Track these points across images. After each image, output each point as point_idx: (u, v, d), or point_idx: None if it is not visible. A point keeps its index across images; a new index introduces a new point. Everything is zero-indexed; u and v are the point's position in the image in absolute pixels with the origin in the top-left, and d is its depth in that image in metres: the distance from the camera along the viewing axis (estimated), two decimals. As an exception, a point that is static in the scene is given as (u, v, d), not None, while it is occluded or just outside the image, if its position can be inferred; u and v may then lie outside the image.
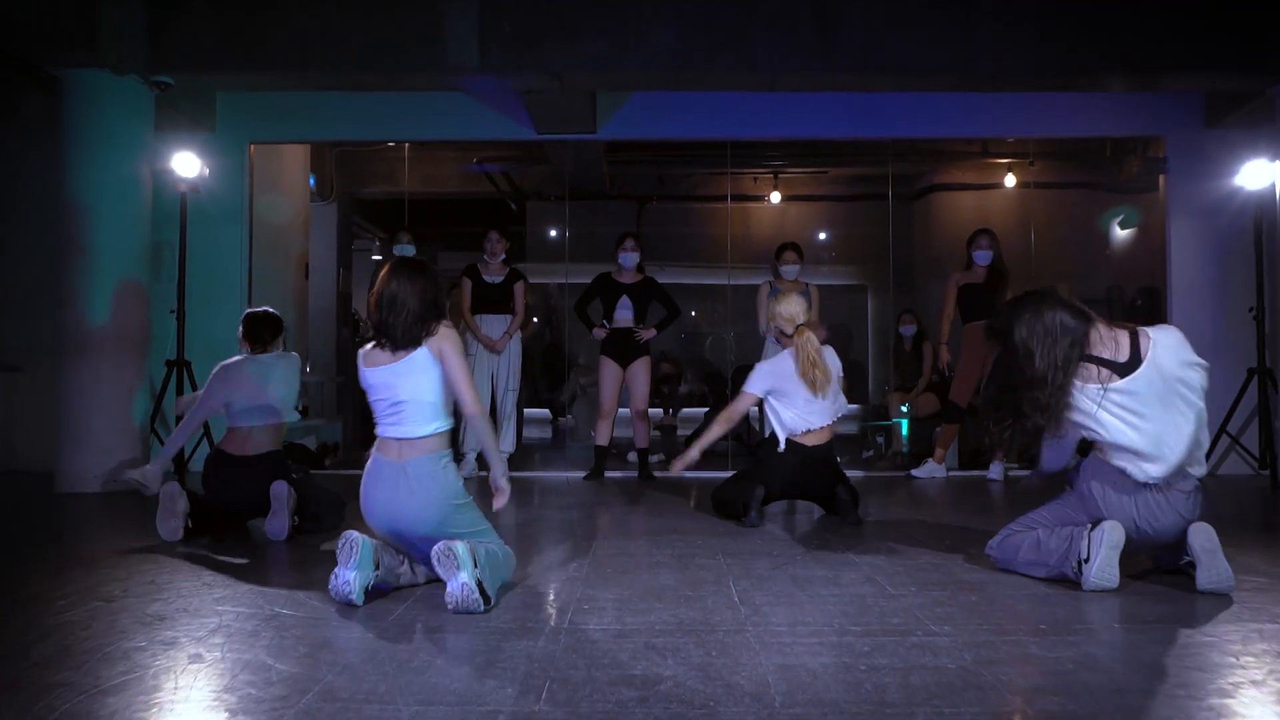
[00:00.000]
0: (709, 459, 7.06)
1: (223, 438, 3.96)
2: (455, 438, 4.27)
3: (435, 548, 2.60)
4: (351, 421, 8.38)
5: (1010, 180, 8.50)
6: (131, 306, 5.44)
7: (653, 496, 5.15)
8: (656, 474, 5.95)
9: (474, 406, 2.83)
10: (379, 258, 10.49)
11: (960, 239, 6.40)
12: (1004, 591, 2.84)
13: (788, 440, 4.11)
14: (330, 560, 2.82)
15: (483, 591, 2.54)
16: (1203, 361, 2.87)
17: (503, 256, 6.01)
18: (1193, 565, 2.81)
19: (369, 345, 2.89)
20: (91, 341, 5.29)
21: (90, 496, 5.11)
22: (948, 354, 6.19)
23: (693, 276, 9.18)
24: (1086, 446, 3.06)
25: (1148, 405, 2.80)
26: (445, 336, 2.81)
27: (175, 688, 1.96)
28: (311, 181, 8.32)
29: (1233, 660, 2.16)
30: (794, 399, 4.09)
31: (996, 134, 7.43)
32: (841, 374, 4.20)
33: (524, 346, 6.16)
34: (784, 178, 9.43)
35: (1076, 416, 2.87)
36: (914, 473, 6.06)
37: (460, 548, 2.56)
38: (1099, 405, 2.83)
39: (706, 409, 8.46)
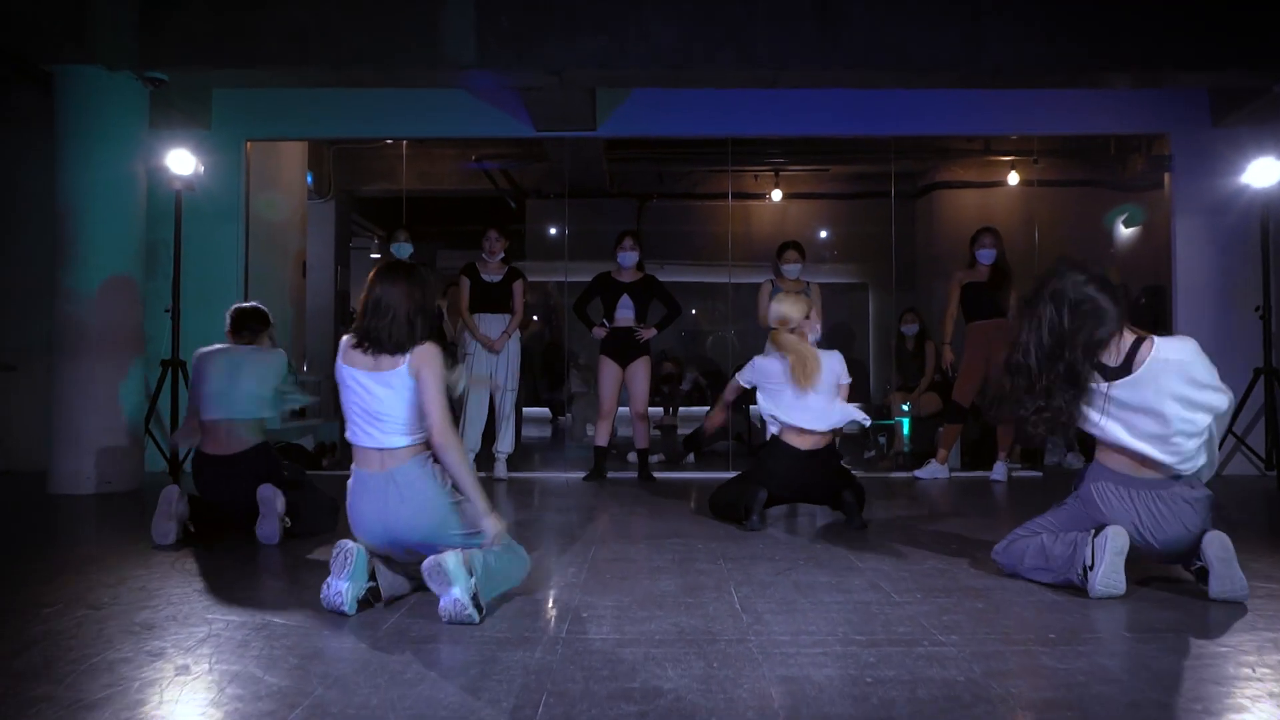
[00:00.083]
0: (710, 460, 7.07)
1: (201, 437, 3.86)
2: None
3: (425, 564, 2.49)
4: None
5: (1014, 178, 8.45)
6: (126, 305, 5.37)
7: (653, 498, 5.09)
8: (656, 475, 5.90)
9: (443, 435, 2.65)
10: (377, 256, 10.44)
11: (963, 237, 6.35)
12: (1011, 598, 2.78)
13: (780, 439, 4.09)
14: (323, 568, 2.76)
15: (476, 605, 2.45)
16: (1222, 386, 2.74)
17: (501, 255, 5.94)
18: (1204, 571, 2.75)
19: (351, 340, 2.75)
20: (85, 341, 5.22)
21: (84, 498, 5.06)
22: (951, 354, 6.14)
23: (693, 275, 9.13)
24: (1090, 449, 3.01)
25: (1132, 414, 2.76)
26: (426, 358, 2.67)
27: (160, 702, 1.90)
28: (309, 179, 8.27)
29: (1248, 672, 2.10)
30: (779, 396, 4.09)
31: (999, 131, 7.37)
32: (845, 380, 4.13)
33: (523, 346, 6.10)
34: (785, 175, 9.38)
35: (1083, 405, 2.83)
36: (918, 474, 6.01)
37: (451, 562, 2.44)
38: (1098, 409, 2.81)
39: (707, 409, 8.40)
